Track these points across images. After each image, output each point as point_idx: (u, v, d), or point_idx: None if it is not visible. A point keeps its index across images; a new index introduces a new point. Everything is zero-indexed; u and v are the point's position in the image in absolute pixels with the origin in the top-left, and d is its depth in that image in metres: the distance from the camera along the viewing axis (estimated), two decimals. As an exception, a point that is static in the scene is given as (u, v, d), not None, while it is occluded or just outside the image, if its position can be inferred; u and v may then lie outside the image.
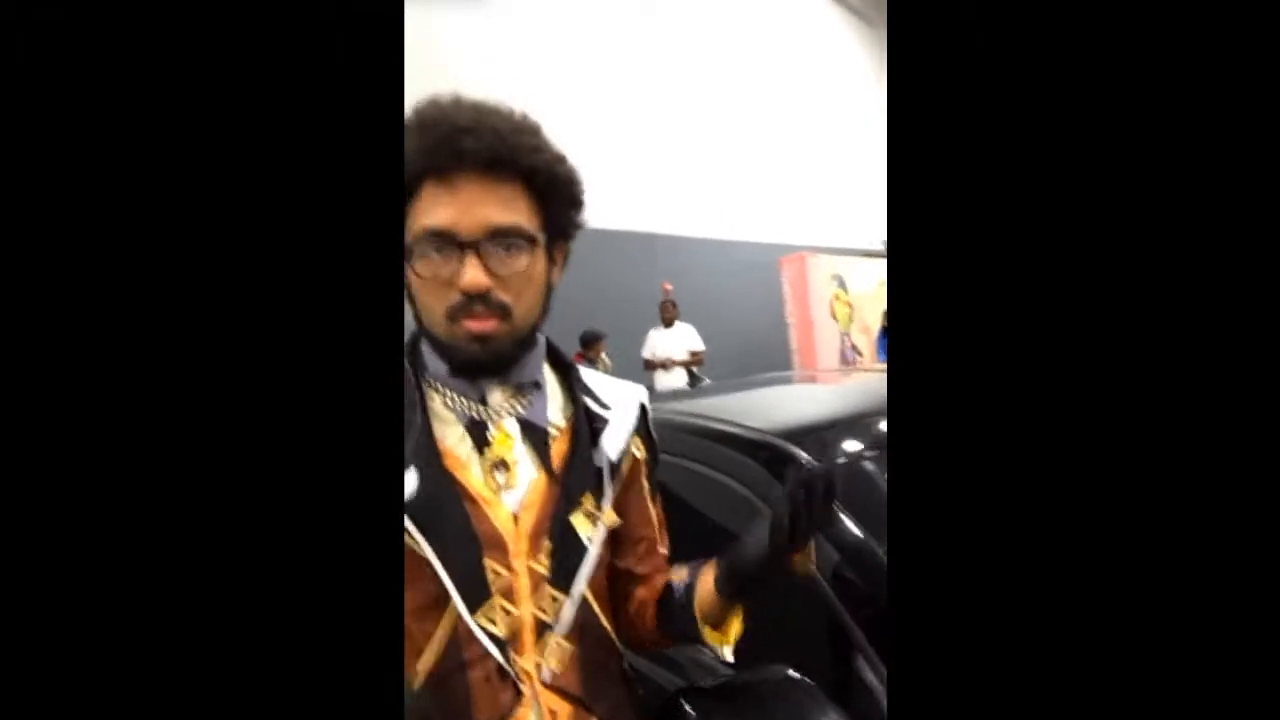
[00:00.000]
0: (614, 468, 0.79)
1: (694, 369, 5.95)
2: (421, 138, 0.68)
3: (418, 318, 0.74)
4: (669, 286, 7.07)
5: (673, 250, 7.19)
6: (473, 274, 0.68)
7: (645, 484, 0.85)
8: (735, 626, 0.79)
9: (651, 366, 6.05)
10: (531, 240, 0.71)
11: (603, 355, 5.91)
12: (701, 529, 1.27)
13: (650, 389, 1.02)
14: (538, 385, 0.78)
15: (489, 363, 0.73)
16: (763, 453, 1.17)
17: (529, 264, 0.71)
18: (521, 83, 5.92)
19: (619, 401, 0.82)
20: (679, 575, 0.82)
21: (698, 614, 0.78)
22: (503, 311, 0.70)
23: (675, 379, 5.71)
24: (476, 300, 0.69)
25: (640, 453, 0.84)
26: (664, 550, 0.88)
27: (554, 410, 0.79)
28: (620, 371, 6.22)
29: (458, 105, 0.71)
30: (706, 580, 0.79)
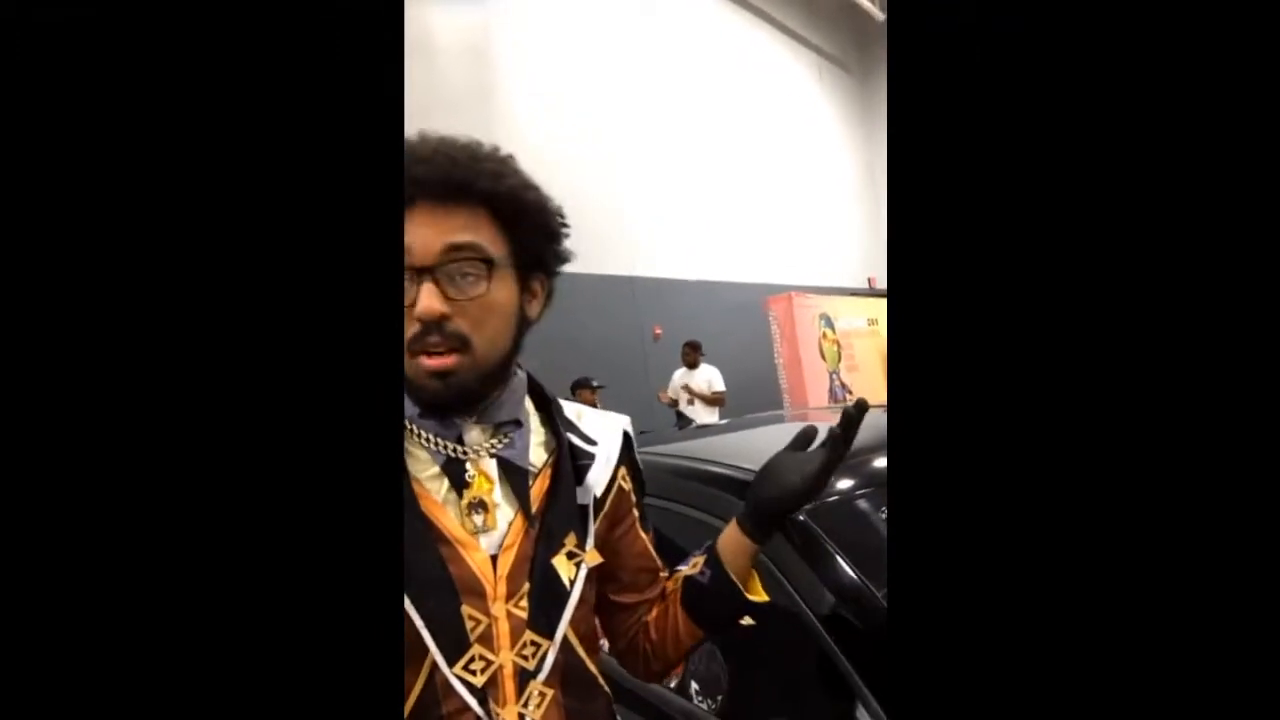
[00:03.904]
0: (598, 503, 0.78)
1: (680, 412, 5.93)
2: None
3: None
4: (659, 331, 7.07)
5: (655, 292, 7.21)
6: (426, 300, 0.64)
7: (636, 514, 0.83)
8: (757, 582, 0.81)
9: (674, 404, 6.04)
10: (489, 263, 0.68)
11: (595, 404, 5.89)
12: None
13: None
14: (518, 423, 0.74)
15: (454, 401, 0.69)
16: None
17: (489, 290, 0.67)
18: (503, 124, 6.00)
19: (603, 435, 0.81)
20: (691, 569, 0.82)
21: (734, 576, 0.79)
22: (461, 343, 0.66)
23: (703, 417, 5.67)
24: (433, 330, 0.65)
25: (627, 484, 0.82)
26: (665, 575, 0.86)
27: (535, 447, 0.76)
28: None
29: (422, 140, 0.69)
30: (729, 540, 0.80)
